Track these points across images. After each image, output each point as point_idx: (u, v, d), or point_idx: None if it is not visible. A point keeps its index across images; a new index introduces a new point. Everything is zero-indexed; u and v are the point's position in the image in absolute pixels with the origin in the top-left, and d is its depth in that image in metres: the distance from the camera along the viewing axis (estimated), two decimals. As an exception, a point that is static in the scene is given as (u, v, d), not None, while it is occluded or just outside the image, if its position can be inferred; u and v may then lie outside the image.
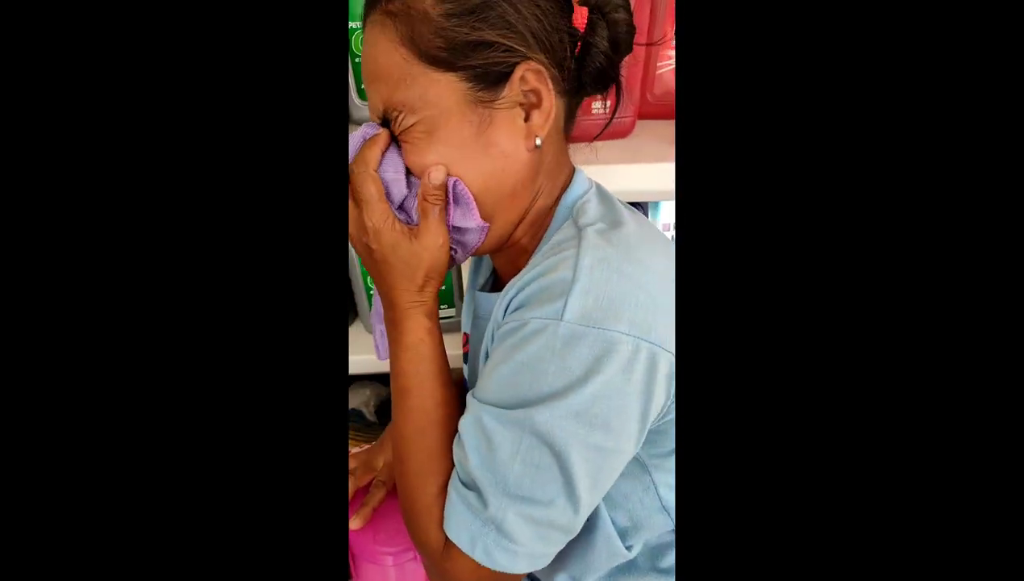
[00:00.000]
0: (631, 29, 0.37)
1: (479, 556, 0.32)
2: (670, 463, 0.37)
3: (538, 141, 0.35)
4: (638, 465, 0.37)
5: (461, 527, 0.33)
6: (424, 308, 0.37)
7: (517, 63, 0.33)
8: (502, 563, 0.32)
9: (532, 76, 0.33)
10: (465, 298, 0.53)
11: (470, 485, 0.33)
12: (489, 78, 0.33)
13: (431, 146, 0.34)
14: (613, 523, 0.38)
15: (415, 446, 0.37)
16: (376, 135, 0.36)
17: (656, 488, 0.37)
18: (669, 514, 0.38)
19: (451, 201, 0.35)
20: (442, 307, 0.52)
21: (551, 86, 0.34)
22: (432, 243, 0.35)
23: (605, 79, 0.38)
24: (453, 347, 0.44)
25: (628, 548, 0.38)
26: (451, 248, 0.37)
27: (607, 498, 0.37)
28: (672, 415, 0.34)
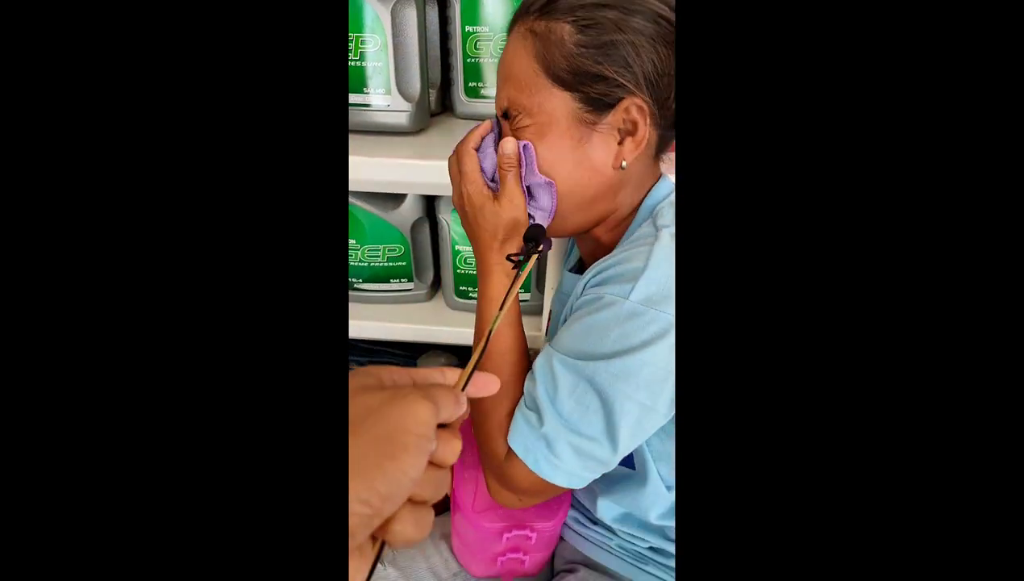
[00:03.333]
0: None
1: (530, 463, 0.41)
2: None
3: (624, 164, 0.42)
4: None
5: (521, 438, 0.42)
6: (505, 269, 0.45)
7: (623, 97, 0.40)
8: (546, 472, 0.41)
9: (635, 109, 0.40)
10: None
11: (533, 408, 0.42)
12: (599, 104, 0.40)
13: (537, 145, 0.42)
14: (659, 474, 0.47)
15: None
16: (482, 123, 0.46)
17: None
18: None
19: (523, 164, 0.43)
20: (521, 291, 0.58)
21: (648, 121, 0.41)
22: (509, 202, 0.43)
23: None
24: (532, 329, 0.51)
25: (669, 490, 0.47)
26: (528, 213, 0.45)
27: (656, 454, 0.46)
28: None
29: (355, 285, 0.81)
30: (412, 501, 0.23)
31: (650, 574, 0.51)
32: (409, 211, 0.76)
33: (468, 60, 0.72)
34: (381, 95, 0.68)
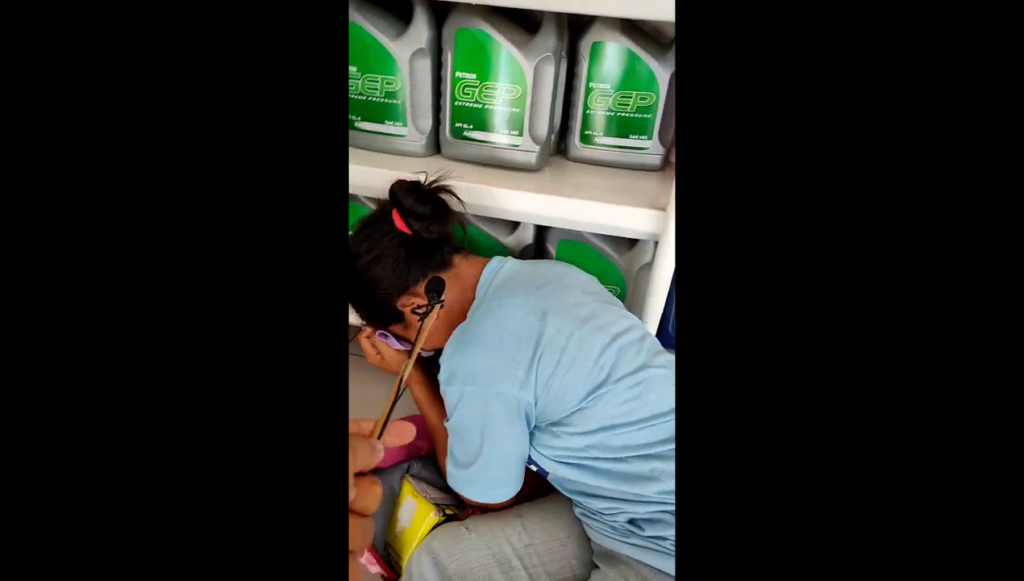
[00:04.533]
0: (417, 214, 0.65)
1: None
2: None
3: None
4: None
5: (455, 484, 0.65)
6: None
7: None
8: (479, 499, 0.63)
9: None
10: None
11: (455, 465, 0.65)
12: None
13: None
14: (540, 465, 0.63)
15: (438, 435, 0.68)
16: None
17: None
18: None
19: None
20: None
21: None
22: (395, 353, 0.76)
23: (439, 230, 0.66)
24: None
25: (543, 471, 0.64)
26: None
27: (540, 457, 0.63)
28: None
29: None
30: None
31: (632, 545, 0.57)
32: (523, 236, 0.85)
33: (587, 112, 0.83)
34: (515, 136, 0.79)
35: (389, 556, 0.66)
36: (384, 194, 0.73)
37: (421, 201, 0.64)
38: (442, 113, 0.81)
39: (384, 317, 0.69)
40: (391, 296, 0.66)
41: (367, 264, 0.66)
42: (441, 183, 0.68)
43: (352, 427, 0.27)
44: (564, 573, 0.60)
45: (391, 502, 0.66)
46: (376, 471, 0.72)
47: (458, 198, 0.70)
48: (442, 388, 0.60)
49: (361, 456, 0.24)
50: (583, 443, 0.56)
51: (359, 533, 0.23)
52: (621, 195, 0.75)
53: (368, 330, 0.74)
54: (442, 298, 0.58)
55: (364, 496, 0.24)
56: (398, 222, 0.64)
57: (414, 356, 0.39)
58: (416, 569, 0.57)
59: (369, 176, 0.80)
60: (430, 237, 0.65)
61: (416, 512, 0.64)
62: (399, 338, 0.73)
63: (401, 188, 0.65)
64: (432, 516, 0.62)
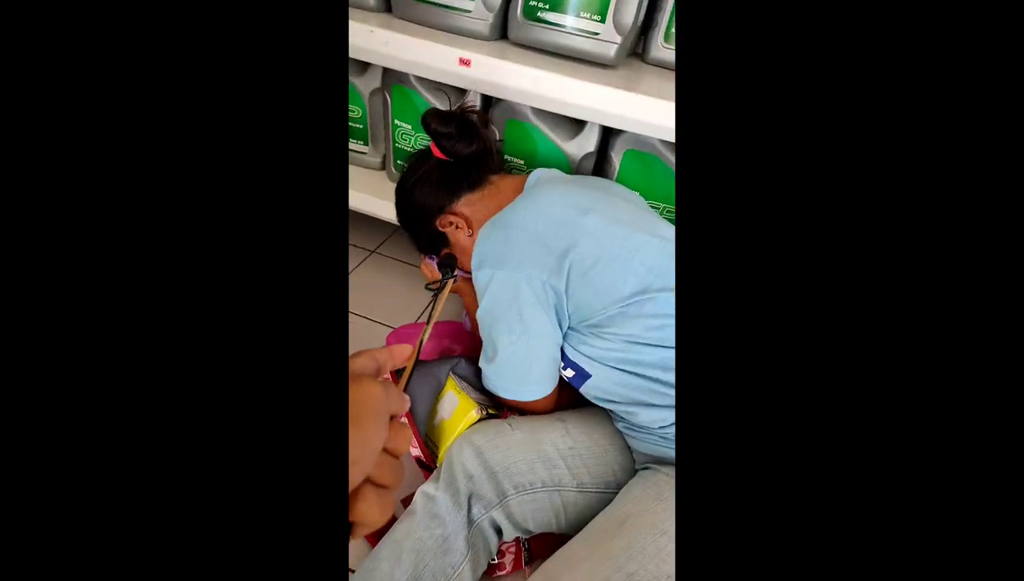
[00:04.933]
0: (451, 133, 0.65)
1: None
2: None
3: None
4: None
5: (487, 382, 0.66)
6: None
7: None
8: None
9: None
10: None
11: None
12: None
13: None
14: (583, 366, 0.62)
15: None
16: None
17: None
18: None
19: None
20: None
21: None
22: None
23: (469, 147, 0.65)
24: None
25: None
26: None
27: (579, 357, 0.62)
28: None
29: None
30: (376, 484, 0.24)
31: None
32: (585, 142, 0.78)
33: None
34: (596, 22, 0.70)
35: (428, 446, 0.65)
36: (438, 77, 0.71)
37: (443, 122, 0.64)
38: (515, -12, 0.72)
39: (431, 242, 0.71)
40: (431, 218, 0.68)
41: (411, 189, 0.69)
42: (466, 108, 0.69)
43: (383, 356, 0.29)
44: (607, 476, 0.60)
45: (436, 395, 0.64)
46: (421, 363, 0.70)
47: (487, 120, 0.70)
48: (473, 275, 0.59)
49: (394, 400, 0.26)
50: (625, 348, 0.55)
51: (391, 470, 0.25)
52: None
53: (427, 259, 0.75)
54: (455, 273, 0.61)
55: (396, 438, 0.26)
56: (434, 150, 0.67)
57: (430, 326, 0.37)
58: (457, 458, 0.56)
59: (427, 53, 0.72)
60: (459, 156, 0.65)
61: (458, 407, 0.62)
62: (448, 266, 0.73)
63: (428, 114, 0.66)
64: (474, 413, 0.61)
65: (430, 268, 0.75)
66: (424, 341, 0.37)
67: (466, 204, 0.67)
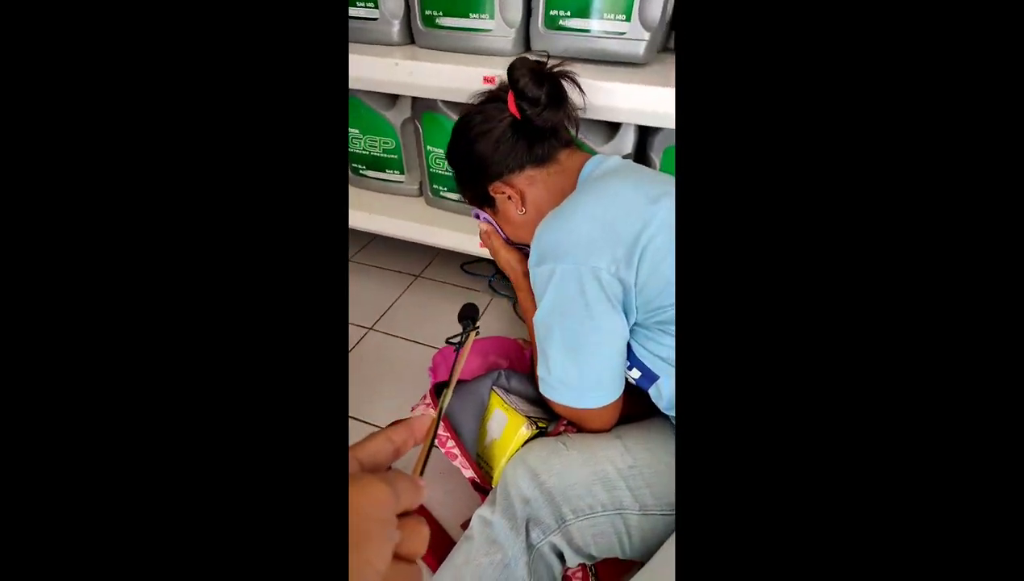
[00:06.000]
0: (542, 82, 0.58)
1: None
2: None
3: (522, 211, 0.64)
4: None
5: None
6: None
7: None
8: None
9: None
10: None
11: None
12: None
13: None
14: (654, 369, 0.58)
15: None
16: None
17: None
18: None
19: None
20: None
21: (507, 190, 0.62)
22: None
23: (550, 120, 0.59)
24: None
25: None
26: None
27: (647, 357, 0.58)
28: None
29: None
30: None
31: None
32: (622, 144, 0.76)
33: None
34: (621, 22, 0.68)
35: (481, 467, 0.63)
36: (465, 98, 0.69)
37: (537, 82, 0.57)
38: (534, 1, 0.72)
39: (478, 196, 0.65)
40: (486, 177, 0.62)
41: (474, 137, 0.61)
42: (564, 68, 0.61)
43: (401, 436, 0.24)
44: (670, 496, 0.55)
45: (481, 414, 0.62)
46: (462, 382, 0.67)
47: (580, 88, 0.63)
48: (531, 271, 0.54)
49: (405, 494, 0.21)
50: None
51: (404, 580, 0.21)
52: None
53: (483, 223, 0.70)
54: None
55: (411, 539, 0.22)
56: (511, 104, 0.59)
57: (452, 386, 0.34)
58: (512, 481, 0.53)
59: (452, 77, 0.73)
60: (540, 125, 0.58)
61: (507, 425, 0.60)
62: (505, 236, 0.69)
63: (521, 66, 0.58)
64: (524, 430, 0.58)
65: (488, 235, 0.70)
66: (444, 408, 0.35)
67: (527, 179, 0.61)
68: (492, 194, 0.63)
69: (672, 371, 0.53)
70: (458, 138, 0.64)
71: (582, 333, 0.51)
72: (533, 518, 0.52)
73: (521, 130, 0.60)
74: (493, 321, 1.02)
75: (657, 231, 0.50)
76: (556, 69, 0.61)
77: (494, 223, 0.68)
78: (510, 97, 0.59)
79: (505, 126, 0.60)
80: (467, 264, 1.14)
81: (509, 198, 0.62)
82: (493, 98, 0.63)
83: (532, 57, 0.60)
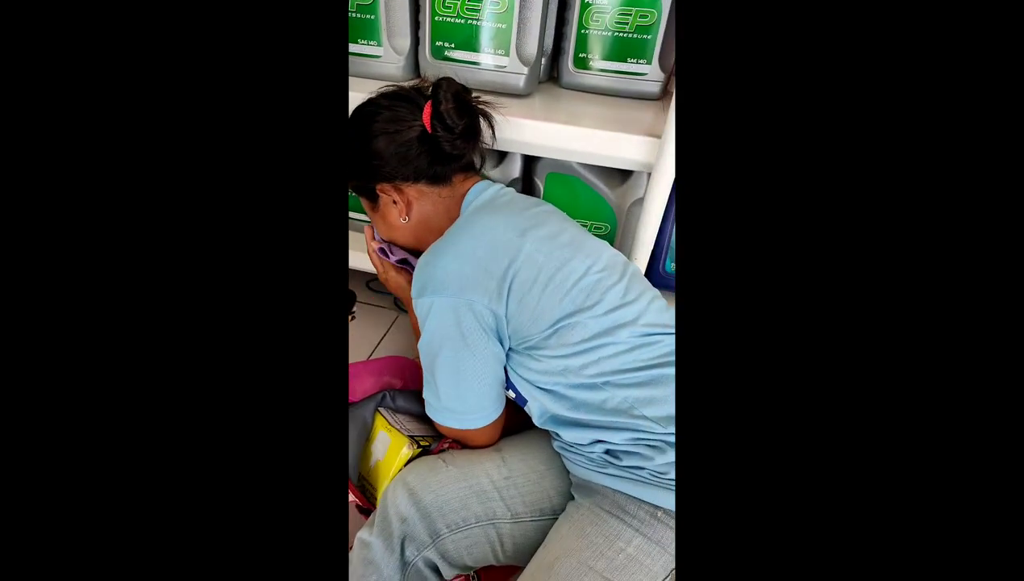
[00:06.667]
0: (463, 109, 0.60)
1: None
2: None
3: (405, 219, 0.65)
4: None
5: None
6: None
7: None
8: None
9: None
10: None
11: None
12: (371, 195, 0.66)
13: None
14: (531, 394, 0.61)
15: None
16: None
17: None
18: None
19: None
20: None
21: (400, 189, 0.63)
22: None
23: (459, 149, 0.61)
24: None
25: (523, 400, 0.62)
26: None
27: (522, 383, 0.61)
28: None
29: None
30: None
31: (608, 475, 0.55)
32: (509, 169, 0.80)
33: (582, 31, 0.76)
34: (501, 56, 0.72)
35: (364, 489, 0.64)
36: None
37: (460, 112, 0.58)
38: (421, 31, 0.74)
39: (360, 187, 0.65)
40: (377, 175, 0.62)
41: (376, 132, 0.60)
42: (486, 107, 0.63)
43: None
44: (542, 503, 0.59)
45: (365, 435, 0.63)
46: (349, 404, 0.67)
47: (493, 132, 0.65)
48: (413, 302, 0.57)
49: None
50: (559, 367, 0.54)
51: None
52: (616, 125, 0.69)
53: (374, 243, 0.71)
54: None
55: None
56: (426, 117, 0.59)
57: None
58: (391, 501, 0.55)
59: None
60: (448, 151, 0.60)
61: (390, 445, 0.62)
62: (392, 249, 0.70)
63: (448, 88, 0.59)
64: (406, 450, 0.60)
65: (381, 264, 0.70)
66: None
67: (418, 192, 0.62)
68: (378, 192, 0.63)
69: (538, 393, 0.57)
70: (358, 124, 0.62)
71: (461, 359, 0.55)
72: (408, 536, 0.54)
73: (427, 145, 0.60)
74: (401, 338, 1.03)
75: (521, 265, 0.54)
76: (480, 104, 0.62)
77: (392, 255, 0.69)
78: (427, 109, 0.59)
79: (412, 136, 0.60)
80: (372, 281, 1.15)
81: (395, 202, 0.63)
82: (406, 97, 0.62)
83: (458, 80, 0.61)
